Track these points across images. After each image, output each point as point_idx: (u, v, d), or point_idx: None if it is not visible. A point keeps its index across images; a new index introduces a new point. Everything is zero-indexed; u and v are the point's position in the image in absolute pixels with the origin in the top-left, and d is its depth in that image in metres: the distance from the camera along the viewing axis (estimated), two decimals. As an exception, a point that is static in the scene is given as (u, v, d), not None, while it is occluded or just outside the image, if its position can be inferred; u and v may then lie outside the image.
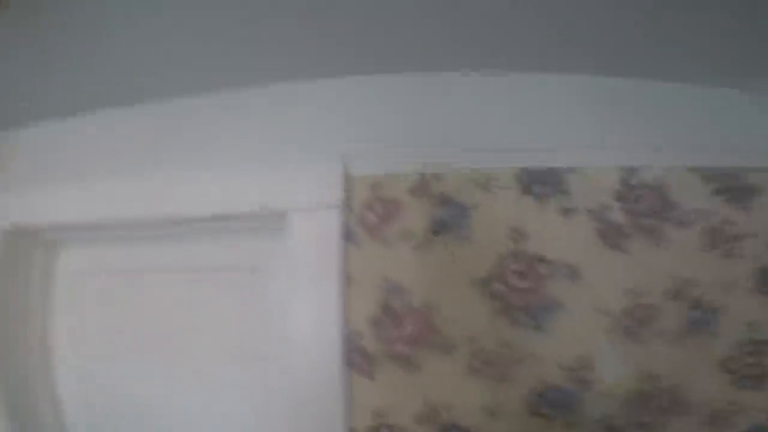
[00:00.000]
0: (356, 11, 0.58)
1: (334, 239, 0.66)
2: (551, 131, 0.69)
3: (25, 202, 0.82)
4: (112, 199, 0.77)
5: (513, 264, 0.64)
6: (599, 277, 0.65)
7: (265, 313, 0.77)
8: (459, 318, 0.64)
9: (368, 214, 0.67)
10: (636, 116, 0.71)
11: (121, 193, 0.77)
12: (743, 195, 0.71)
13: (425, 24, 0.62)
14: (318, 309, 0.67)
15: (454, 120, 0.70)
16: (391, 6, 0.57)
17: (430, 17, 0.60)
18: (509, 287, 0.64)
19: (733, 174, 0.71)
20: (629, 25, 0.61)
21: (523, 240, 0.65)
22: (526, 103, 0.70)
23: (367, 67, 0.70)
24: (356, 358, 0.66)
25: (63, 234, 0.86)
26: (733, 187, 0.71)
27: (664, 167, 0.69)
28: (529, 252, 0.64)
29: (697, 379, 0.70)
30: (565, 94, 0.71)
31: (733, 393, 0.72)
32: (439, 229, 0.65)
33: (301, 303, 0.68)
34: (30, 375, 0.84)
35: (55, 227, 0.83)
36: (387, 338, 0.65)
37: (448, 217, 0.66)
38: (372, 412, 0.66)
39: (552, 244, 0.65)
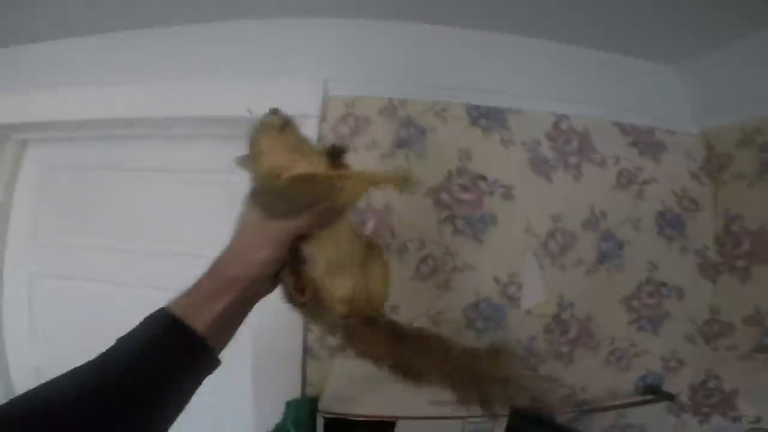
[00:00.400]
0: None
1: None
2: (500, 78, 0.81)
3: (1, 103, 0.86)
4: (92, 101, 0.81)
5: (459, 179, 0.75)
6: (529, 199, 0.76)
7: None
8: (412, 222, 0.74)
9: (341, 127, 0.76)
10: (573, 76, 0.85)
11: (102, 97, 0.80)
12: (654, 149, 0.85)
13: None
14: None
15: (420, 61, 0.80)
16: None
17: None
18: (455, 198, 0.75)
19: (647, 131, 0.86)
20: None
21: (468, 160, 0.76)
22: (481, 54, 0.82)
23: (348, 12, 0.81)
24: None
25: (47, 132, 0.90)
26: (646, 142, 0.85)
27: (591, 118, 0.83)
28: (472, 170, 0.76)
29: (604, 313, 0.82)
30: (515, 51, 0.83)
31: (633, 334, 0.85)
32: (400, 144, 0.76)
33: None
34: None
35: (35, 126, 0.85)
36: None
37: (408, 135, 0.76)
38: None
39: (492, 166, 0.76)
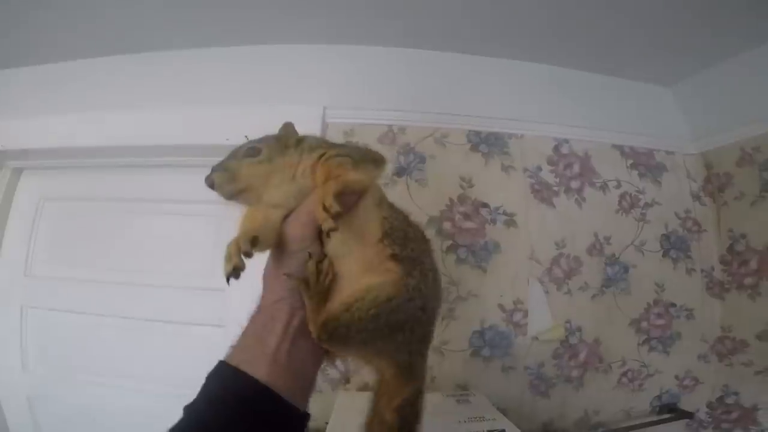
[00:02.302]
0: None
1: None
2: (499, 103, 0.82)
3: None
4: (90, 127, 0.80)
5: (460, 207, 0.75)
6: (532, 226, 0.76)
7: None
8: None
9: None
10: (571, 99, 0.85)
11: (100, 123, 0.80)
12: (654, 171, 0.85)
13: (403, 5, 0.75)
14: None
15: (420, 87, 0.82)
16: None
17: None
18: (457, 227, 0.74)
19: (646, 153, 0.86)
20: (575, 23, 0.74)
21: (469, 187, 0.76)
22: (480, 80, 0.83)
23: (348, 39, 0.82)
24: None
25: (42, 160, 0.89)
26: (646, 164, 0.85)
27: (591, 142, 0.83)
28: (474, 197, 0.75)
29: (613, 336, 0.81)
30: (514, 76, 0.84)
31: (644, 355, 0.84)
32: (400, 171, 0.76)
33: None
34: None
35: (28, 153, 0.85)
36: None
37: (408, 163, 0.76)
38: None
39: (493, 193, 0.76)
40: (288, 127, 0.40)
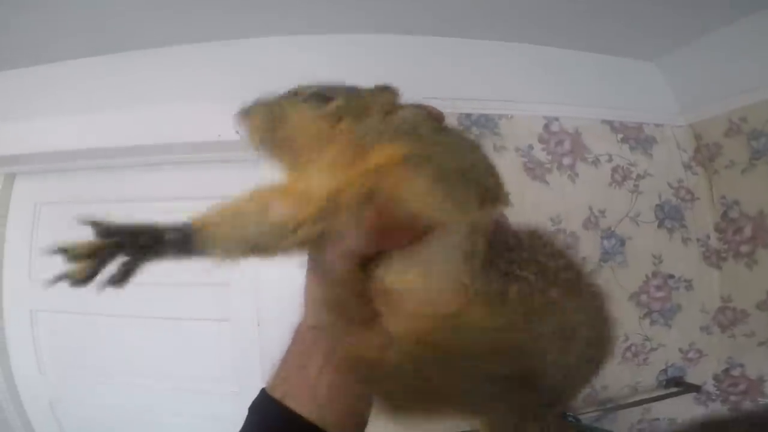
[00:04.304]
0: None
1: None
2: (488, 85, 0.82)
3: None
4: (83, 129, 0.79)
5: (454, 189, 0.75)
6: (527, 204, 0.77)
7: None
8: None
9: None
10: (559, 78, 0.86)
11: (94, 124, 0.79)
12: (645, 143, 0.86)
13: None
14: None
15: (408, 72, 0.81)
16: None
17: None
18: (451, 209, 0.75)
19: (636, 127, 0.87)
20: (559, 2, 0.74)
21: (462, 170, 0.76)
22: (467, 62, 0.84)
23: (336, 27, 0.82)
24: None
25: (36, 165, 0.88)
26: (636, 137, 0.86)
27: (581, 118, 0.84)
28: (467, 179, 0.76)
29: (614, 311, 0.80)
30: (501, 57, 0.85)
31: (646, 328, 0.84)
32: None
33: None
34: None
35: (19, 158, 0.83)
36: None
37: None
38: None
39: (487, 174, 0.77)
40: (383, 92, 0.27)
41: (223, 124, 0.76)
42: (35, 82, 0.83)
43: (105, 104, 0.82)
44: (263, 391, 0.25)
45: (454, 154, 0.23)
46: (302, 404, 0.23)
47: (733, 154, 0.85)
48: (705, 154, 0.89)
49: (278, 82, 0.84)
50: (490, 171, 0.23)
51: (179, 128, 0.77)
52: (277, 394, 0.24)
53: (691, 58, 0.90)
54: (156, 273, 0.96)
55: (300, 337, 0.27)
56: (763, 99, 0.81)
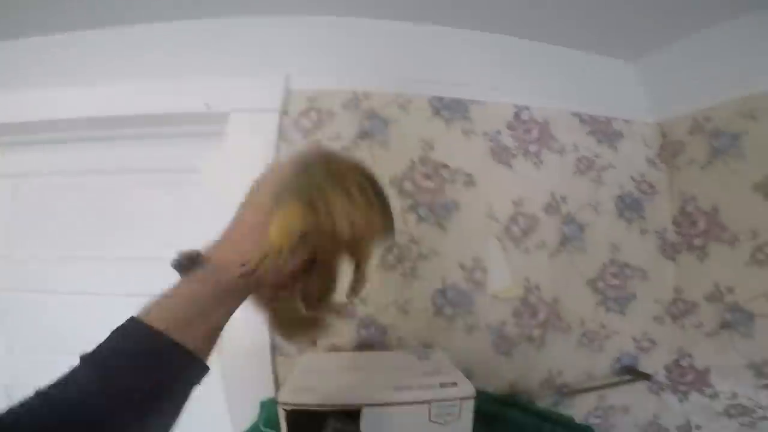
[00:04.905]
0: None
1: (270, 139, 0.75)
2: (462, 71, 0.84)
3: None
4: (51, 101, 0.79)
5: (421, 168, 0.77)
6: (490, 186, 0.78)
7: (199, 213, 0.82)
8: None
9: (304, 120, 0.77)
10: (534, 70, 0.88)
11: (61, 96, 0.79)
12: (611, 137, 0.89)
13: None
14: None
15: (384, 55, 0.83)
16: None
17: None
18: (417, 186, 0.76)
19: (605, 121, 0.90)
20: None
21: (430, 150, 0.78)
22: (444, 48, 0.85)
23: (313, 9, 0.83)
24: None
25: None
26: (603, 131, 0.89)
27: (551, 109, 0.86)
28: (434, 159, 0.77)
29: (571, 296, 0.83)
30: (478, 46, 0.86)
31: (602, 315, 0.87)
32: (363, 135, 0.77)
33: (235, 198, 0.75)
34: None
35: None
36: None
37: (372, 127, 0.78)
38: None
39: (453, 155, 0.78)
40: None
41: (189, 98, 0.78)
42: (6, 55, 0.83)
43: (75, 78, 0.81)
44: (136, 320, 0.26)
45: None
46: (190, 339, 0.26)
47: (695, 151, 0.88)
48: (669, 151, 0.92)
49: (252, 61, 0.85)
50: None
51: (147, 102, 0.77)
52: (159, 325, 0.26)
53: (664, 60, 0.93)
54: (122, 249, 0.97)
55: (220, 283, 0.29)
56: (728, 99, 0.84)
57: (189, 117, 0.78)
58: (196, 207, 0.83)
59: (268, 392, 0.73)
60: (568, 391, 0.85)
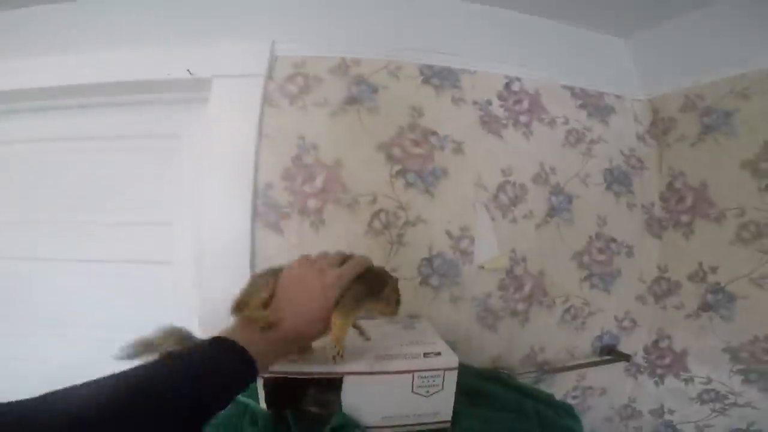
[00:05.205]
0: None
1: (254, 104, 0.73)
2: (454, 40, 0.82)
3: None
4: (33, 69, 0.77)
5: (410, 134, 0.76)
6: (479, 154, 0.77)
7: (180, 178, 0.81)
8: (364, 177, 0.73)
9: (289, 85, 0.75)
10: (527, 42, 0.87)
11: (42, 64, 0.76)
12: (602, 112, 0.88)
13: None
14: (232, 163, 0.72)
15: (375, 22, 0.81)
16: None
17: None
18: (406, 152, 0.75)
19: (596, 95, 0.89)
20: None
21: (419, 117, 0.76)
22: (436, 17, 0.83)
23: None
24: (266, 211, 0.72)
25: None
26: (594, 105, 0.88)
27: (542, 81, 0.85)
28: (423, 126, 0.76)
29: (557, 270, 0.83)
30: (471, 16, 0.84)
31: (586, 291, 0.87)
32: (351, 101, 0.75)
33: (216, 161, 0.72)
34: None
35: None
36: (298, 191, 0.72)
37: (360, 92, 0.76)
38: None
39: (443, 123, 0.77)
40: None
41: (171, 64, 0.76)
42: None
43: (47, 46, 0.78)
44: (237, 346, 0.36)
45: None
46: (262, 364, 0.38)
47: (685, 128, 0.88)
48: (659, 127, 0.91)
49: (237, 28, 0.83)
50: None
51: (126, 67, 0.75)
52: (252, 352, 0.37)
53: (657, 37, 0.92)
54: (92, 215, 0.94)
55: (291, 336, 0.42)
56: (721, 78, 0.84)
57: (172, 83, 0.76)
58: (179, 173, 0.81)
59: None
60: (549, 369, 0.85)
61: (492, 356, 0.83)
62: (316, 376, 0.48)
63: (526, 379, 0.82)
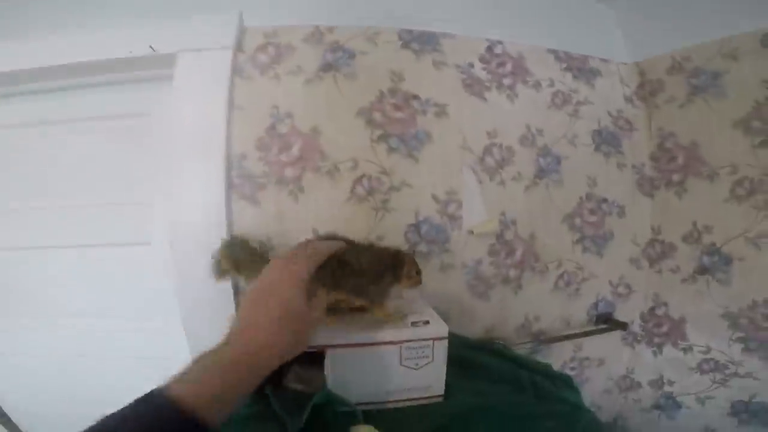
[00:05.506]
0: None
1: (223, 76, 0.70)
2: (433, 3, 0.80)
3: None
4: None
5: (391, 98, 0.73)
6: (463, 117, 0.75)
7: (151, 156, 0.78)
8: (343, 143, 0.71)
9: (260, 56, 0.72)
10: (507, 5, 0.85)
11: (3, 48, 0.73)
12: (588, 75, 0.86)
13: None
14: (203, 137, 0.69)
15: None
16: None
17: None
18: (387, 117, 0.72)
19: (581, 58, 0.87)
20: None
21: (400, 81, 0.74)
22: None
23: None
24: (241, 183, 0.69)
25: None
26: (579, 68, 0.86)
27: (525, 45, 0.83)
28: (404, 90, 0.74)
29: (548, 233, 0.81)
30: None
31: (579, 255, 0.84)
32: (327, 67, 0.73)
33: (186, 136, 0.70)
34: None
35: None
36: (274, 161, 0.69)
37: (336, 59, 0.74)
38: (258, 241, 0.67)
39: (424, 86, 0.74)
40: None
41: (136, 41, 0.74)
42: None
43: (12, 30, 0.74)
44: (166, 396, 0.27)
45: None
46: (214, 417, 0.27)
47: (674, 90, 0.86)
48: (647, 89, 0.90)
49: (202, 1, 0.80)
50: None
51: (91, 48, 0.72)
52: (186, 404, 0.26)
53: (642, 1, 0.92)
54: (65, 198, 0.89)
55: (248, 368, 0.31)
56: (708, 40, 0.82)
57: (138, 62, 0.73)
58: (152, 152, 0.78)
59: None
60: (545, 339, 0.82)
61: (485, 326, 0.80)
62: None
63: (521, 350, 0.79)
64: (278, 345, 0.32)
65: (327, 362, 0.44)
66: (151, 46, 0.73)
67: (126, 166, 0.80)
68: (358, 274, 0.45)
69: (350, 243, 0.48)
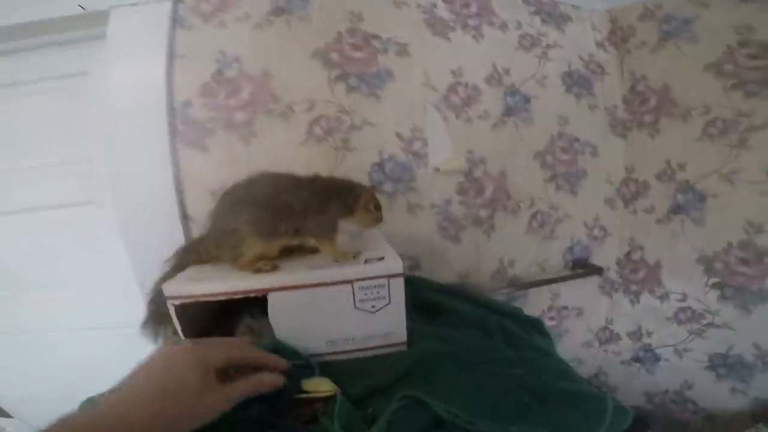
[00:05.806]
0: None
1: (161, 28, 0.67)
2: None
3: None
4: None
5: (350, 39, 0.71)
6: (426, 56, 0.73)
7: (92, 114, 0.74)
8: (297, 84, 0.68)
9: (203, 5, 0.69)
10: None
11: None
12: (558, 19, 0.85)
13: None
14: (143, 89, 0.66)
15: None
16: None
17: None
18: (345, 57, 0.70)
19: (550, 3, 0.85)
20: None
21: (359, 21, 0.72)
22: None
23: None
24: (186, 130, 0.66)
25: None
26: (549, 13, 0.84)
27: (491, -13, 0.82)
28: (364, 30, 0.72)
29: (519, 170, 0.79)
30: None
31: (552, 194, 0.82)
32: (278, 12, 0.69)
33: (125, 92, 0.67)
34: None
35: None
36: (221, 105, 0.67)
37: (289, 2, 0.70)
38: (209, 192, 0.65)
39: (385, 26, 0.72)
40: None
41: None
42: None
43: None
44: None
45: None
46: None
47: (645, 35, 0.85)
48: (618, 36, 0.88)
49: None
50: None
51: (20, 10, 0.69)
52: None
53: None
54: (6, 161, 0.83)
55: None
56: None
57: (67, 22, 0.70)
58: (93, 110, 0.74)
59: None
60: (521, 284, 0.80)
61: (459, 272, 0.78)
62: (230, 296, 0.38)
63: (497, 297, 0.77)
64: (153, 427, 0.27)
65: (271, 308, 0.39)
66: (80, 5, 0.70)
67: (68, 127, 0.77)
68: (300, 214, 0.42)
69: (292, 179, 0.45)
